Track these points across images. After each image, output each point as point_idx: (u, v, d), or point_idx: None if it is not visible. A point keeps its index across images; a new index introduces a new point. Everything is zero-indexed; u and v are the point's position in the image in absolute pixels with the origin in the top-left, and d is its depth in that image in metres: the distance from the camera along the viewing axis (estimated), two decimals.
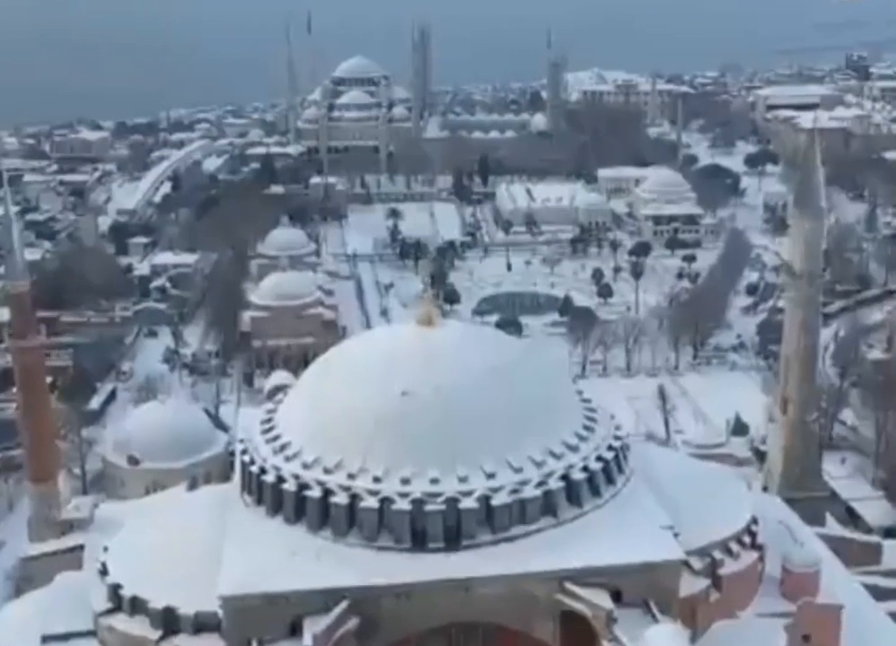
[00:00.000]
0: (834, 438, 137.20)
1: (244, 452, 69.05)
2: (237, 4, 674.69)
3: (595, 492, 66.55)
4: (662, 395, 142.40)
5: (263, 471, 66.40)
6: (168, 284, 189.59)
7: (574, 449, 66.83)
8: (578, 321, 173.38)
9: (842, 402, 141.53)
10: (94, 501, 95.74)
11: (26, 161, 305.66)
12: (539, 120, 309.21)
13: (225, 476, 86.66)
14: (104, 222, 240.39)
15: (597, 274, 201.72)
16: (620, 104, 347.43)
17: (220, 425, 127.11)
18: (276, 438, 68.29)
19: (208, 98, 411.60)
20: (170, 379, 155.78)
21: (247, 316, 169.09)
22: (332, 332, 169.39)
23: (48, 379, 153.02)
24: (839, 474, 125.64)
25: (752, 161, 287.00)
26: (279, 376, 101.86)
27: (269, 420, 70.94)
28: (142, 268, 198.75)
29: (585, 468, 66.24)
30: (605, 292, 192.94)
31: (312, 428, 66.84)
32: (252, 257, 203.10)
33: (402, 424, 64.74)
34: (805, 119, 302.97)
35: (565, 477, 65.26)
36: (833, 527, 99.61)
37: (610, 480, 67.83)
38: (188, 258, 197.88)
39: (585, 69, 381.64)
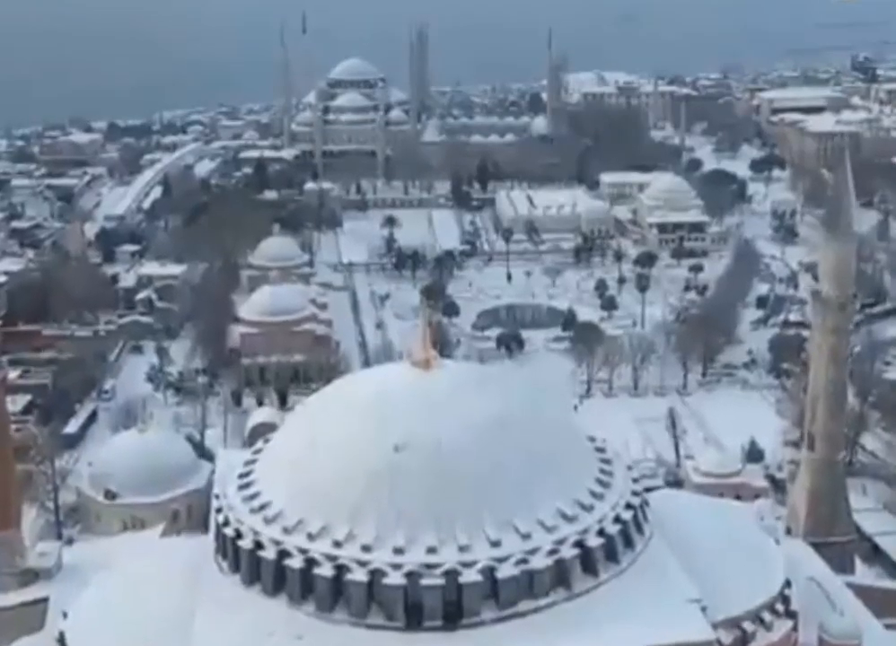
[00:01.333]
0: (854, 464, 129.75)
1: (219, 510, 61.61)
2: (233, 2, 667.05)
3: (613, 558, 59.21)
4: (672, 418, 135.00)
5: (239, 535, 58.98)
6: (154, 297, 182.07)
7: (588, 508, 59.47)
8: (582, 337, 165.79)
9: (861, 425, 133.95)
10: (61, 545, 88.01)
11: (14, 165, 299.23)
12: (539, 123, 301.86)
13: (208, 511, 79.68)
14: (92, 229, 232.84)
15: (601, 286, 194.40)
16: (622, 106, 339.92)
17: (204, 453, 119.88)
18: (254, 496, 60.92)
19: (203, 99, 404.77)
20: (154, 400, 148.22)
21: (236, 331, 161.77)
22: (325, 348, 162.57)
23: (27, 399, 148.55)
24: (862, 505, 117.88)
25: (758, 166, 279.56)
26: (262, 413, 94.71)
27: (248, 473, 63.54)
28: (128, 279, 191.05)
29: (602, 532, 58.90)
30: (609, 304, 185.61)
31: (295, 486, 59.47)
32: (243, 267, 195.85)
33: (395, 484, 57.41)
34: (813, 123, 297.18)
35: (579, 543, 57.88)
36: (863, 572, 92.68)
37: (629, 543, 60.51)
38: (176, 269, 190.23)
39: (586, 70, 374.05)
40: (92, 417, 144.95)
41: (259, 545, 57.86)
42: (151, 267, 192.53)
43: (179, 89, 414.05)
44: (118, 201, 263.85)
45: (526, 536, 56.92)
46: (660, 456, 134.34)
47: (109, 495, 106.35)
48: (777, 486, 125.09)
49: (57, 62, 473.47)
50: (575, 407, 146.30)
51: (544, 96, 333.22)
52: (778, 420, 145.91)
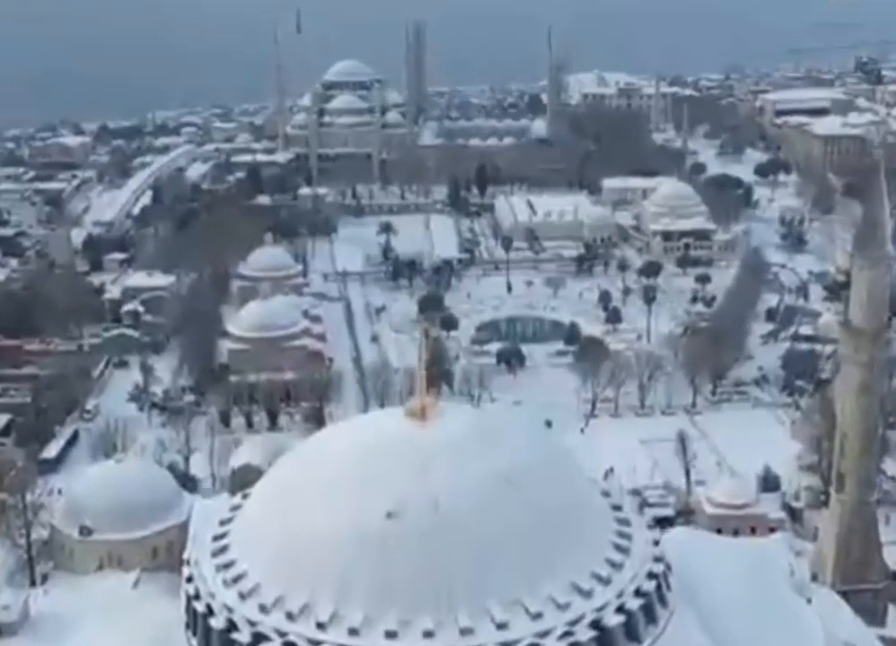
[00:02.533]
0: None
1: (189, 580, 54.71)
2: (227, 1, 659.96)
3: (634, 637, 52.47)
4: (682, 443, 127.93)
5: (211, 611, 52.10)
6: (141, 309, 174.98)
7: (606, 581, 52.78)
8: (586, 352, 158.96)
9: (883, 450, 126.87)
10: (27, 597, 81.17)
11: (2, 169, 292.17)
12: (539, 126, 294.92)
13: None
14: (80, 236, 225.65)
15: (604, 297, 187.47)
16: (623, 108, 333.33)
17: (188, 483, 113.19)
18: (229, 564, 54.10)
19: (196, 99, 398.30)
20: (138, 421, 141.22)
21: (225, 347, 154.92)
22: (318, 364, 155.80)
23: (6, 418, 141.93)
24: (887, 538, 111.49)
25: (763, 170, 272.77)
26: (246, 452, 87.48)
27: (223, 535, 56.66)
28: (114, 291, 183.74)
29: (621, 608, 51.98)
30: (614, 317, 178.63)
31: (275, 555, 52.69)
32: (234, 277, 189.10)
33: (387, 555, 50.64)
34: (818, 125, 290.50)
35: (596, 623, 51.02)
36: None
37: (652, 618, 53.71)
38: (164, 280, 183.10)
39: (586, 71, 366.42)
40: (73, 439, 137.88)
41: (232, 626, 51.00)
42: (138, 278, 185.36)
43: (172, 89, 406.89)
44: (107, 206, 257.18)
45: (537, 616, 50.24)
46: (669, 482, 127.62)
47: (85, 531, 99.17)
48: (794, 516, 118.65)
49: (49, 62, 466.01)
50: (581, 430, 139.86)
51: (544, 97, 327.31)
52: (792, 442, 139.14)
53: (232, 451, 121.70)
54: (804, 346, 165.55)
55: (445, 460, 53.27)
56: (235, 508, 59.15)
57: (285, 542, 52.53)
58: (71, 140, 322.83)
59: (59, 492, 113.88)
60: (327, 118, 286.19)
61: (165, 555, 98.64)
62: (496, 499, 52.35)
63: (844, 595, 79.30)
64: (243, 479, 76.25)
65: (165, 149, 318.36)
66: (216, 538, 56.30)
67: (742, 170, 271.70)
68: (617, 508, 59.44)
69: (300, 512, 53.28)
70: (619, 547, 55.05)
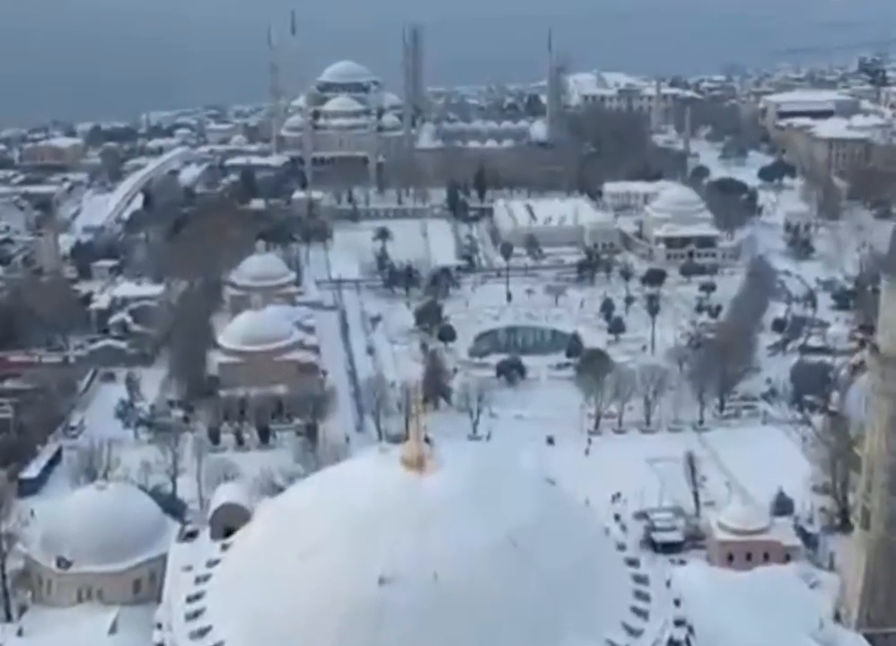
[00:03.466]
0: None
1: None
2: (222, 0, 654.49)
3: None
4: (690, 464, 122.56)
5: None
6: (129, 319, 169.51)
7: None
8: (589, 365, 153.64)
9: None
10: None
11: None
12: (538, 128, 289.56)
13: None
14: (69, 242, 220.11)
15: (607, 306, 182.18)
16: (623, 109, 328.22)
17: (173, 508, 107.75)
18: (204, 631, 48.71)
19: (191, 100, 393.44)
20: (123, 439, 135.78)
21: (215, 360, 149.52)
22: (311, 377, 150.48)
23: None
24: None
25: (767, 174, 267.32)
26: (227, 491, 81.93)
27: (199, 595, 51.24)
28: (101, 300, 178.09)
29: None
30: (617, 327, 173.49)
31: (255, 624, 47.24)
32: (226, 285, 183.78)
33: (380, 625, 45.25)
34: (822, 128, 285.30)
35: None
36: None
37: None
38: (153, 289, 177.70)
39: (584, 71, 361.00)
40: (56, 458, 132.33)
41: None
42: (126, 288, 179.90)
43: (166, 89, 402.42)
44: (98, 210, 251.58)
45: None
46: (678, 504, 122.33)
47: (63, 564, 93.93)
48: (809, 541, 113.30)
49: (41, 63, 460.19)
50: (586, 451, 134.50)
51: (543, 98, 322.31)
52: (804, 461, 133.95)
53: (221, 472, 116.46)
54: (814, 359, 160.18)
55: (444, 519, 48.04)
56: (213, 563, 53.69)
57: (268, 610, 47.20)
58: (62, 142, 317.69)
59: (32, 514, 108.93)
60: (322, 121, 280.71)
61: (148, 588, 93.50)
62: (499, 564, 47.11)
63: (870, 639, 74.18)
64: (226, 520, 70.82)
65: (159, 151, 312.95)
66: (191, 600, 50.90)
67: (746, 174, 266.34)
68: (633, 562, 53.99)
69: (284, 575, 47.98)
70: (637, 611, 49.83)
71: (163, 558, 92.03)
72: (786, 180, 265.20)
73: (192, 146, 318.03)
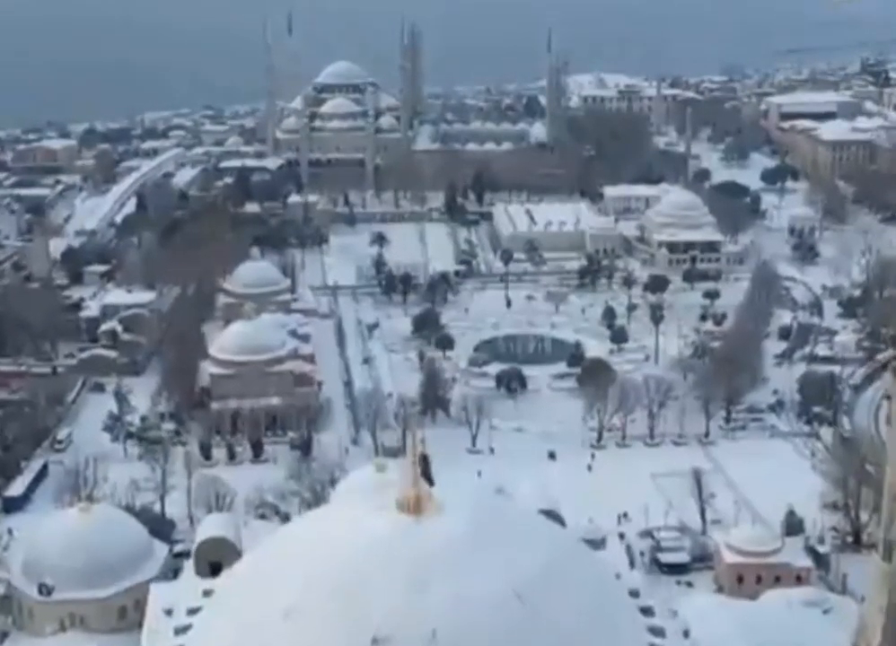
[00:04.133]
0: None
1: None
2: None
3: None
4: (697, 480, 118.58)
5: None
6: (119, 328, 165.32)
7: None
8: (591, 376, 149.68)
9: None
10: None
11: None
12: (538, 130, 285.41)
13: None
14: (61, 246, 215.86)
15: (609, 314, 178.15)
16: (623, 110, 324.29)
17: (160, 529, 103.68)
18: None
19: (187, 100, 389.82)
20: (112, 453, 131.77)
21: (206, 371, 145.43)
22: (306, 388, 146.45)
23: None
24: None
25: (770, 177, 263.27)
26: (212, 523, 77.85)
27: None
28: (91, 309, 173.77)
29: None
30: (619, 336, 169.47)
31: None
32: (219, 291, 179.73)
33: None
34: (826, 130, 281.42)
35: None
36: None
37: None
38: (144, 297, 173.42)
39: (584, 72, 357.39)
40: (42, 474, 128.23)
41: None
42: (117, 295, 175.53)
43: (163, 89, 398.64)
44: (91, 213, 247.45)
45: None
46: (684, 523, 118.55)
47: (44, 590, 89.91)
48: (820, 562, 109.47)
49: (37, 62, 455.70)
50: (589, 467, 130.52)
51: (542, 99, 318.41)
52: (814, 475, 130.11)
53: (212, 490, 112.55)
54: (821, 369, 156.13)
55: (443, 571, 43.99)
56: (193, 611, 49.62)
57: None
58: (56, 143, 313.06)
59: (10, 532, 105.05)
60: (318, 122, 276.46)
61: (133, 615, 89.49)
62: (504, 620, 42.94)
63: None
64: (211, 554, 66.93)
65: (153, 153, 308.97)
66: None
67: (748, 177, 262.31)
68: (647, 610, 49.96)
69: (267, 638, 43.76)
70: None
71: (150, 583, 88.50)
72: (789, 183, 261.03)
73: (187, 148, 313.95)
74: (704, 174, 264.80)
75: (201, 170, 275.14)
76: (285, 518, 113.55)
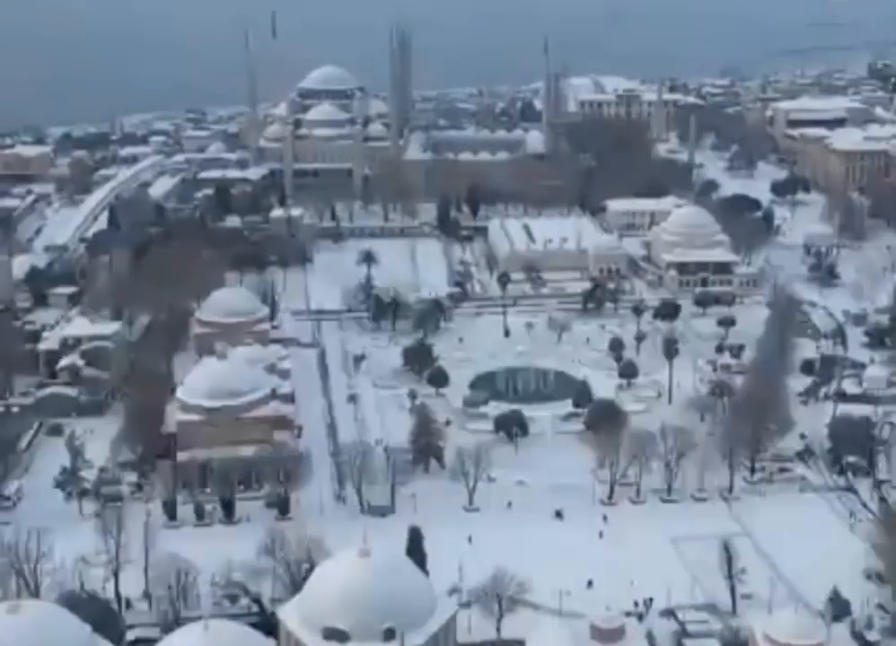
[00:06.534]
0: None
1: None
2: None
3: None
4: (727, 553, 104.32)
5: None
6: (81, 363, 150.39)
7: None
8: (599, 420, 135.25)
9: None
10: None
11: None
12: (535, 139, 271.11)
13: None
14: (27, 264, 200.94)
15: (616, 345, 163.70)
16: (622, 116, 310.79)
17: (109, 621, 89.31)
18: None
19: (169, 102, 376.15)
20: (65, 512, 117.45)
21: (173, 417, 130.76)
22: (284, 435, 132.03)
23: None
24: None
25: (780, 189, 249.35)
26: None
27: None
28: (51, 340, 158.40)
29: None
30: (629, 370, 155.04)
31: None
32: (193, 317, 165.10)
33: None
34: (837, 139, 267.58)
35: None
36: None
37: None
38: (109, 328, 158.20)
39: (580, 75, 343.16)
40: None
41: None
42: (79, 325, 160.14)
43: (145, 91, 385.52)
44: (62, 226, 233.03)
45: None
46: (712, 600, 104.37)
47: None
48: None
49: (14, 65, 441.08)
50: (600, 534, 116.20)
51: (537, 103, 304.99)
52: (853, 537, 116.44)
53: (170, 569, 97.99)
54: (852, 408, 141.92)
55: None
56: None
57: None
58: (29, 150, 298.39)
59: None
60: (304, 130, 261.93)
61: None
62: None
63: None
64: None
65: (132, 159, 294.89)
66: None
67: (757, 188, 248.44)
68: None
69: None
70: None
71: None
72: (801, 195, 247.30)
73: (167, 154, 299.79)
74: (710, 186, 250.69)
75: (180, 180, 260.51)
76: (256, 599, 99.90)
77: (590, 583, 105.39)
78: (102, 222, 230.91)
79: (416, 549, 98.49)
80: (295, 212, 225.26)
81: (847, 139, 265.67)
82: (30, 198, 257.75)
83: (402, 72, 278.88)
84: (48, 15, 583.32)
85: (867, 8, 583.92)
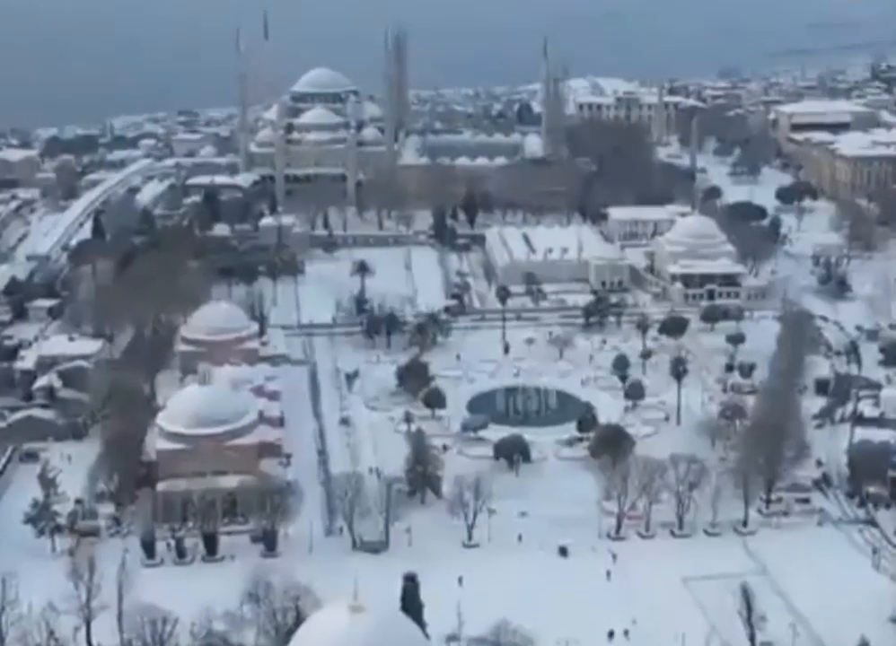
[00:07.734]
0: None
1: None
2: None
3: None
4: (746, 600, 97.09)
5: None
6: (58, 384, 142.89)
7: None
8: (605, 447, 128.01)
9: None
10: None
11: None
12: (533, 143, 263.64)
13: None
14: (7, 275, 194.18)
15: (620, 364, 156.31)
16: (622, 119, 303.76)
17: None
18: None
19: (161, 103, 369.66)
20: (36, 549, 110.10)
21: (153, 445, 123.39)
22: (271, 464, 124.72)
23: None
24: None
25: (786, 195, 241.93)
26: None
27: None
28: (28, 359, 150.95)
29: None
30: (634, 391, 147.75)
31: None
32: (178, 334, 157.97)
33: None
34: (843, 144, 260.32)
35: None
36: None
37: None
38: (89, 346, 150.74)
39: (578, 77, 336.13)
40: None
41: None
42: (57, 343, 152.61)
43: (135, 92, 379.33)
44: (46, 234, 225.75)
45: None
46: None
47: None
48: None
49: (3, 64, 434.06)
50: (608, 574, 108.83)
51: (535, 105, 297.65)
52: (877, 575, 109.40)
53: (144, 619, 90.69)
54: (869, 433, 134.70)
55: None
56: None
57: None
58: (14, 154, 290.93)
59: None
60: (296, 135, 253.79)
61: None
62: None
63: None
64: None
65: (121, 164, 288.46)
66: None
67: (762, 195, 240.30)
68: None
69: None
70: None
71: None
72: (807, 202, 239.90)
73: (157, 158, 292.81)
74: (714, 192, 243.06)
75: (168, 187, 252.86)
76: None
77: (611, 635, 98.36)
78: (87, 230, 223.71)
79: (411, 600, 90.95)
80: (286, 220, 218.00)
81: (854, 144, 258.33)
82: (13, 204, 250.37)
83: (397, 74, 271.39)
84: (34, 15, 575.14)
85: (867, 8, 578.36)
